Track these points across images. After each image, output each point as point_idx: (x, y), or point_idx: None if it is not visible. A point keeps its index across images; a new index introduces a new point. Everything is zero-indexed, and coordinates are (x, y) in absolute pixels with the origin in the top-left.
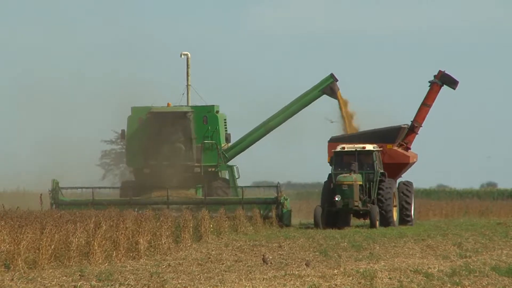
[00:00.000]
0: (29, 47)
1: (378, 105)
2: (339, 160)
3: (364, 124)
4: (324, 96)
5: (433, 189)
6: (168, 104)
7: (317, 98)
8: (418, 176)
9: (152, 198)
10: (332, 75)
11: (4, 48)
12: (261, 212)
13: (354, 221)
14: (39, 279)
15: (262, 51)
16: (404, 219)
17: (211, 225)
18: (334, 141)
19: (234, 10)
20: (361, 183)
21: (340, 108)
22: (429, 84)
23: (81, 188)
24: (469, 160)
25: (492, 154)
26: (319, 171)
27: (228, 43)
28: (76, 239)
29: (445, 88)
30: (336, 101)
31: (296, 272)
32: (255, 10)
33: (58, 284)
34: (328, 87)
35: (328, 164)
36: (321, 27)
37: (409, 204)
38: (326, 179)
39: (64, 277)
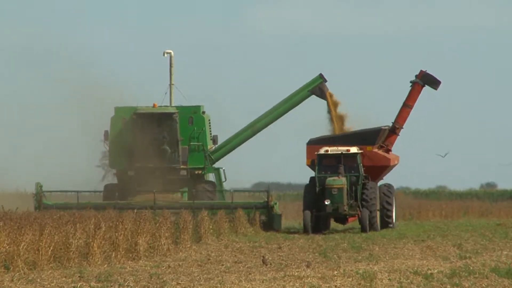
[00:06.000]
0: (17, 49)
1: (364, 105)
2: (322, 163)
3: (353, 124)
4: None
5: (433, 190)
6: (154, 104)
7: (305, 99)
8: (417, 177)
9: (139, 202)
10: (321, 75)
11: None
12: (260, 215)
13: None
14: (38, 280)
15: (251, 51)
16: (386, 222)
17: (211, 226)
18: (312, 143)
19: (224, 10)
20: (346, 186)
21: (329, 109)
22: (411, 84)
23: (66, 191)
24: (469, 161)
25: (492, 154)
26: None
27: (216, 42)
28: (76, 240)
29: (441, 90)
30: (325, 101)
31: (296, 273)
32: (244, 10)
33: (58, 285)
34: (317, 87)
35: (308, 167)
36: (309, 28)
37: (390, 207)
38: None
39: (64, 278)
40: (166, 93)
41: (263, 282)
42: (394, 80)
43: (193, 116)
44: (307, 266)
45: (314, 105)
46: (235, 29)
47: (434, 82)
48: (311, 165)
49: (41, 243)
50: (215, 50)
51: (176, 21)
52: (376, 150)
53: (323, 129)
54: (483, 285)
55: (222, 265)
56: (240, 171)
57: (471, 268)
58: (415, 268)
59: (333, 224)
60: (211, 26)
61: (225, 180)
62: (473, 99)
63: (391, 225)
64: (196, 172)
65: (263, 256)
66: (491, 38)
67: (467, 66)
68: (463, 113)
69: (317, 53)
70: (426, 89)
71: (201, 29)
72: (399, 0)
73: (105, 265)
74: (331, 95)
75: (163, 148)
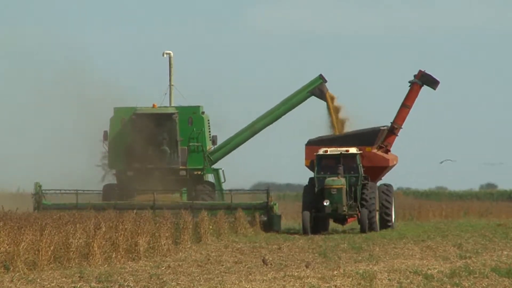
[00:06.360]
0: (16, 49)
1: (363, 105)
2: (322, 164)
3: (352, 126)
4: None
5: (433, 191)
6: (153, 105)
7: (305, 100)
8: (417, 177)
9: (138, 202)
10: (321, 76)
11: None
12: (259, 215)
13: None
14: (38, 280)
15: (251, 50)
16: (385, 222)
17: (211, 227)
18: (311, 144)
19: (224, 10)
20: (345, 186)
21: (329, 110)
22: (409, 84)
23: (65, 190)
24: (469, 162)
25: (491, 155)
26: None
27: (216, 43)
28: (76, 241)
29: (440, 90)
30: (324, 102)
31: (296, 274)
32: (244, 10)
33: (58, 285)
34: (317, 88)
35: (307, 168)
36: (309, 28)
37: (389, 207)
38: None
39: (64, 279)
40: (165, 93)
41: (263, 282)
42: (393, 80)
43: (193, 117)
44: (307, 266)
45: (314, 105)
46: (235, 29)
47: (432, 82)
48: (310, 166)
49: (41, 243)
50: (215, 50)
51: (176, 21)
52: (375, 150)
53: (322, 130)
54: (483, 285)
55: (222, 265)
56: (239, 172)
57: (471, 268)
58: (415, 268)
59: (333, 224)
60: (211, 26)
61: (224, 180)
62: (473, 99)
63: (390, 226)
64: (196, 172)
65: (263, 257)
66: (491, 38)
67: (467, 66)
68: (462, 113)
69: (317, 53)
70: (426, 89)
71: (201, 29)
72: (399, 0)
73: (105, 265)
74: (332, 99)
75: (163, 149)
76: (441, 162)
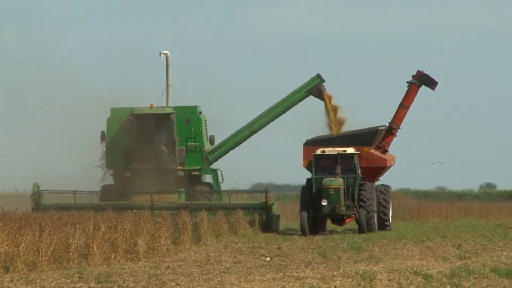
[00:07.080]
0: (15, 51)
1: (361, 105)
2: (319, 164)
3: (350, 126)
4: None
5: (432, 191)
6: (151, 105)
7: (303, 99)
8: (416, 178)
9: (136, 203)
10: (318, 76)
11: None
12: (258, 216)
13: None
14: (38, 280)
15: (250, 51)
16: (382, 223)
17: (210, 227)
18: (309, 144)
19: (223, 10)
20: (343, 187)
21: (327, 110)
22: (408, 84)
23: (62, 191)
24: (468, 162)
25: (491, 155)
26: None
27: (215, 42)
28: (75, 241)
29: (440, 90)
30: (322, 102)
31: (295, 274)
32: (243, 10)
33: (58, 285)
34: (315, 87)
35: (305, 168)
36: (308, 28)
37: (387, 208)
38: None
39: (63, 279)
40: (162, 93)
41: (262, 282)
42: (392, 80)
43: (190, 117)
44: (306, 266)
45: (312, 105)
46: (235, 29)
47: (431, 82)
48: (308, 166)
49: (40, 244)
50: (214, 50)
51: (175, 21)
52: (372, 151)
53: (321, 130)
54: (483, 285)
55: (222, 265)
56: (238, 173)
57: (471, 268)
58: (415, 269)
59: (332, 225)
60: (211, 26)
61: (222, 181)
62: (472, 100)
63: (388, 226)
64: (193, 173)
65: (263, 255)
66: (491, 38)
67: (466, 67)
68: (461, 114)
69: (317, 53)
70: (424, 89)
71: (201, 29)
72: (399, 0)
73: (105, 266)
74: (330, 98)
75: (160, 149)
76: (432, 164)
